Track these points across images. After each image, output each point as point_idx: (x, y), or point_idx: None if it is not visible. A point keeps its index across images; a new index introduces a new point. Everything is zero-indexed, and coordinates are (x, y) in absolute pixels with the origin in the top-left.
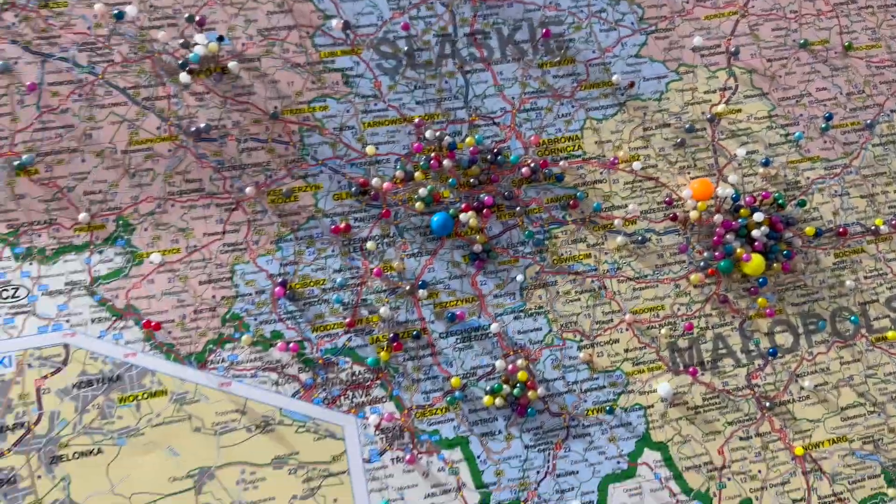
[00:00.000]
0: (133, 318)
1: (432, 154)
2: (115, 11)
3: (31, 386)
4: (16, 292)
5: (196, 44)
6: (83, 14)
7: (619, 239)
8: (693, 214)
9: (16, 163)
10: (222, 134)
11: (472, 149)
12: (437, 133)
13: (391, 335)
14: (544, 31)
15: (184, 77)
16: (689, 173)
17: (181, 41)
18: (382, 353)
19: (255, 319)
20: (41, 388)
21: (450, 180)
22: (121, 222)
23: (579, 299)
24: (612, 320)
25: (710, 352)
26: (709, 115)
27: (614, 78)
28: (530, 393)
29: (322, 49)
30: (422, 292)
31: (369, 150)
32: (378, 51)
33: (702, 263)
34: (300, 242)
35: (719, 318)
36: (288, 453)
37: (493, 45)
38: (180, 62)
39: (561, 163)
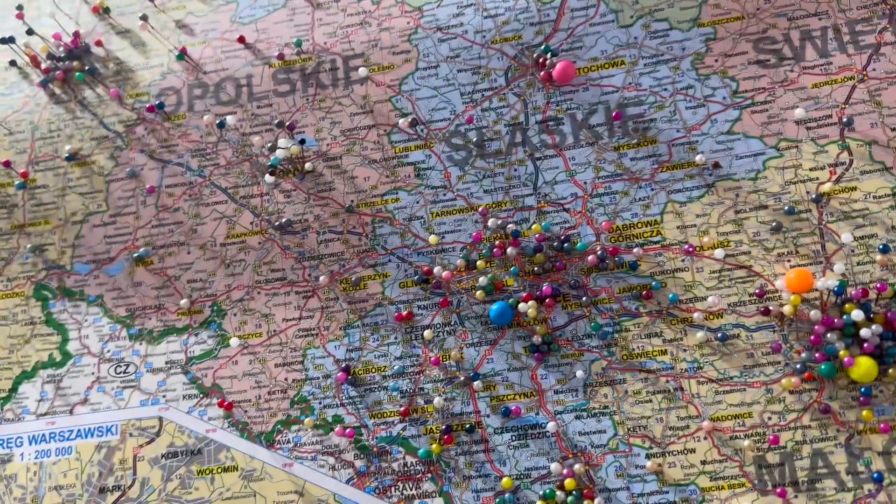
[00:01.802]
0: (217, 395)
1: (496, 242)
2: (218, 121)
3: (129, 453)
4: (127, 368)
5: (278, 147)
6: (197, 125)
7: (701, 334)
8: (787, 309)
9: (135, 255)
10: (304, 227)
11: (538, 235)
12: (500, 221)
13: (444, 427)
14: (614, 114)
15: (267, 178)
16: (788, 261)
17: (270, 145)
18: (434, 445)
19: (320, 403)
20: (137, 456)
21: (512, 268)
22: (215, 308)
23: (651, 401)
24: (688, 426)
25: (806, 470)
26: (814, 195)
27: (698, 158)
28: (587, 503)
29: (397, 145)
30: (478, 384)
31: (431, 239)
32: (449, 143)
33: (798, 366)
34: (366, 329)
35: (820, 432)
36: None
37: (566, 131)
38: (268, 164)
39: (635, 250)
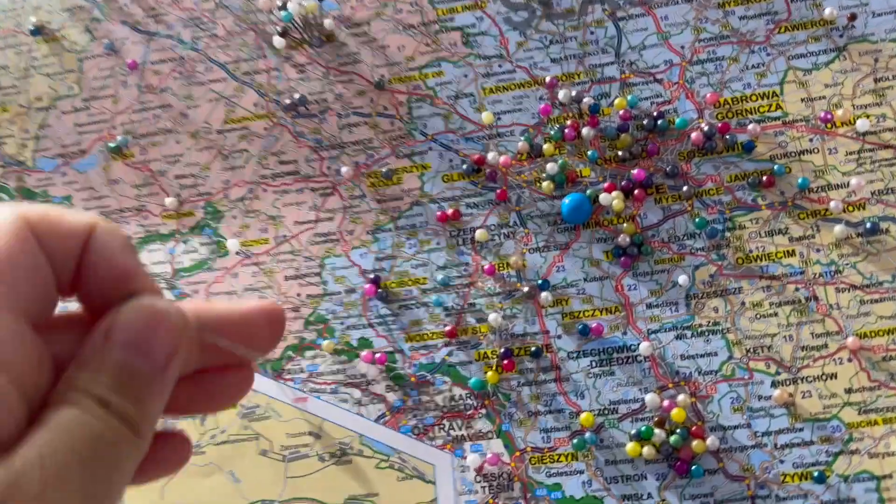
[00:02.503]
0: None
1: (568, 121)
2: None
3: None
4: None
5: (290, 3)
6: None
7: (839, 229)
8: None
9: (112, 146)
10: (322, 108)
11: (622, 112)
12: (575, 94)
13: (502, 350)
14: None
15: (277, 41)
16: None
17: (280, 3)
18: (490, 374)
19: (342, 323)
20: None
21: (589, 153)
22: (209, 209)
23: (776, 314)
24: (826, 346)
25: None
26: None
27: (827, 12)
28: (696, 443)
29: (440, 6)
30: (546, 296)
31: (486, 117)
32: (507, 1)
33: None
34: (400, 233)
35: None
36: (365, 494)
37: None
38: (278, 27)
39: (750, 126)
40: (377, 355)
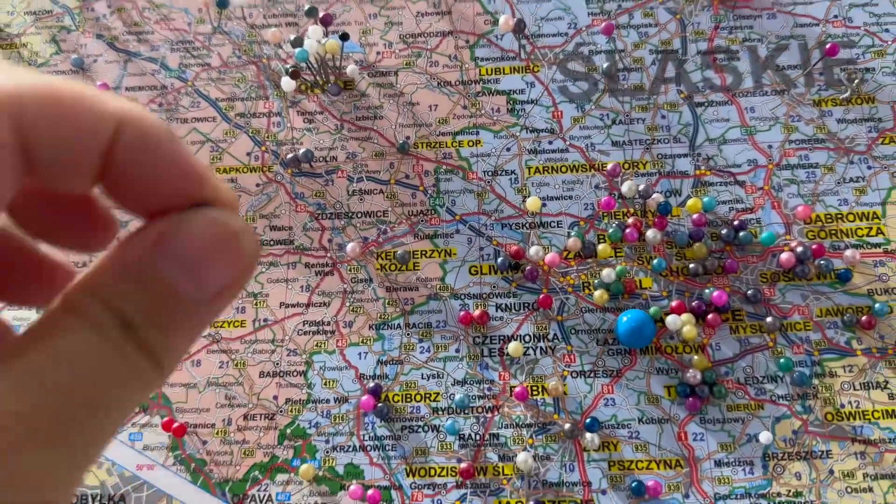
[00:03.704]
0: (161, 411)
1: (630, 219)
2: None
3: None
4: None
5: (307, 38)
6: (186, 6)
7: None
8: None
9: None
10: (330, 169)
11: (696, 216)
12: (643, 187)
13: (531, 503)
14: (829, 46)
15: (285, 82)
16: None
17: (292, 39)
18: None
19: (328, 442)
20: None
21: (654, 262)
22: None
23: (871, 489)
24: None
25: None
26: None
27: None
28: None
29: (484, 64)
30: (592, 438)
31: (531, 203)
32: (564, 69)
33: None
34: (411, 332)
35: None
36: None
37: (743, 70)
38: (287, 66)
39: (847, 252)
40: (369, 491)
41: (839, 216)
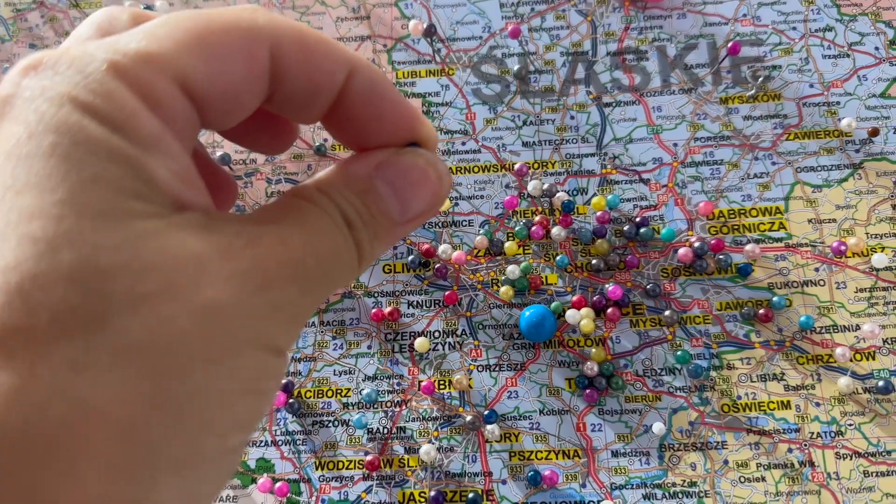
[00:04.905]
0: None
1: (536, 217)
2: (143, 5)
3: None
4: None
5: None
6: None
7: (844, 382)
8: None
9: None
10: (249, 171)
11: (600, 213)
12: (547, 186)
13: (433, 493)
14: (731, 44)
15: None
16: None
17: None
18: None
19: None
20: None
21: (558, 258)
22: None
23: (763, 479)
24: None
25: None
26: None
27: (843, 123)
28: None
29: (401, 67)
30: (493, 429)
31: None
32: (478, 71)
33: None
34: (325, 329)
35: None
36: None
37: (652, 69)
38: None
39: (748, 246)
40: (277, 484)
41: (742, 212)
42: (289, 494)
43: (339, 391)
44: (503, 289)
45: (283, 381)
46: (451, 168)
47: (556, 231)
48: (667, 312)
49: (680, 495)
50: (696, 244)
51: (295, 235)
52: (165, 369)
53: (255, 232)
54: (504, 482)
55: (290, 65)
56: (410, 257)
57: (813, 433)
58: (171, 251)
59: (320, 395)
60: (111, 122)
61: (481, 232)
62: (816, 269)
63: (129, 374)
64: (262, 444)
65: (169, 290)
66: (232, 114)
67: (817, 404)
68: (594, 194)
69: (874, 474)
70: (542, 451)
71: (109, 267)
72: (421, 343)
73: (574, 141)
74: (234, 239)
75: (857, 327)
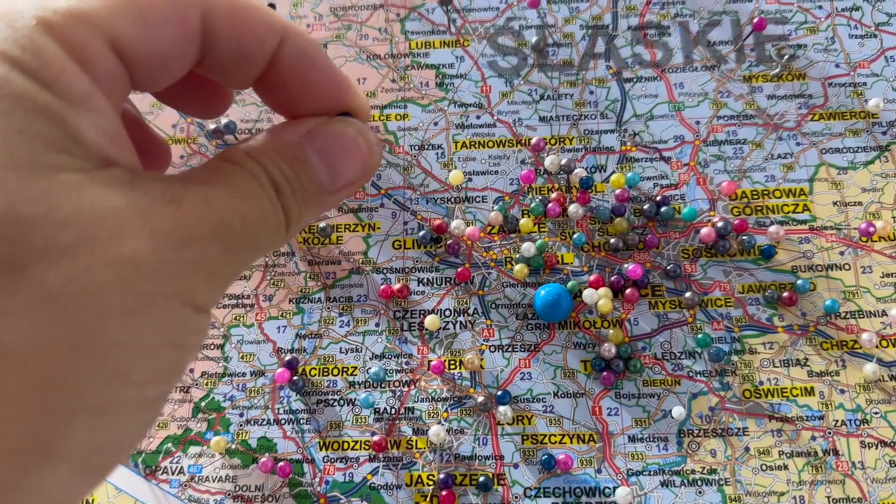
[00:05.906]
0: None
1: (553, 194)
2: None
3: None
4: None
5: None
6: None
7: (870, 368)
8: None
9: None
10: None
11: (619, 191)
12: (565, 162)
13: (442, 476)
14: (757, 20)
15: None
16: None
17: None
18: None
19: (242, 416)
20: None
21: (575, 236)
22: None
23: (786, 467)
24: None
25: None
26: None
27: (871, 104)
28: None
29: (414, 37)
30: (505, 411)
31: (454, 176)
32: (494, 43)
33: None
34: (332, 306)
35: None
36: None
37: (674, 45)
38: None
39: (772, 228)
40: (280, 463)
41: (766, 192)
42: (291, 475)
43: (345, 369)
44: (517, 267)
45: (288, 358)
46: (465, 142)
47: (574, 209)
48: (687, 294)
49: (699, 482)
50: (720, 224)
51: (221, 196)
52: (82, 318)
53: (180, 190)
54: (516, 466)
55: (222, 29)
56: (422, 233)
57: (837, 421)
58: (93, 204)
59: (325, 374)
60: (39, 77)
61: (495, 208)
62: (841, 253)
63: (46, 321)
64: (265, 422)
65: (88, 242)
66: (162, 76)
67: (842, 391)
68: (613, 172)
69: None
70: (555, 435)
71: (29, 217)
72: (431, 321)
73: (593, 117)
74: (159, 196)
75: (884, 313)
